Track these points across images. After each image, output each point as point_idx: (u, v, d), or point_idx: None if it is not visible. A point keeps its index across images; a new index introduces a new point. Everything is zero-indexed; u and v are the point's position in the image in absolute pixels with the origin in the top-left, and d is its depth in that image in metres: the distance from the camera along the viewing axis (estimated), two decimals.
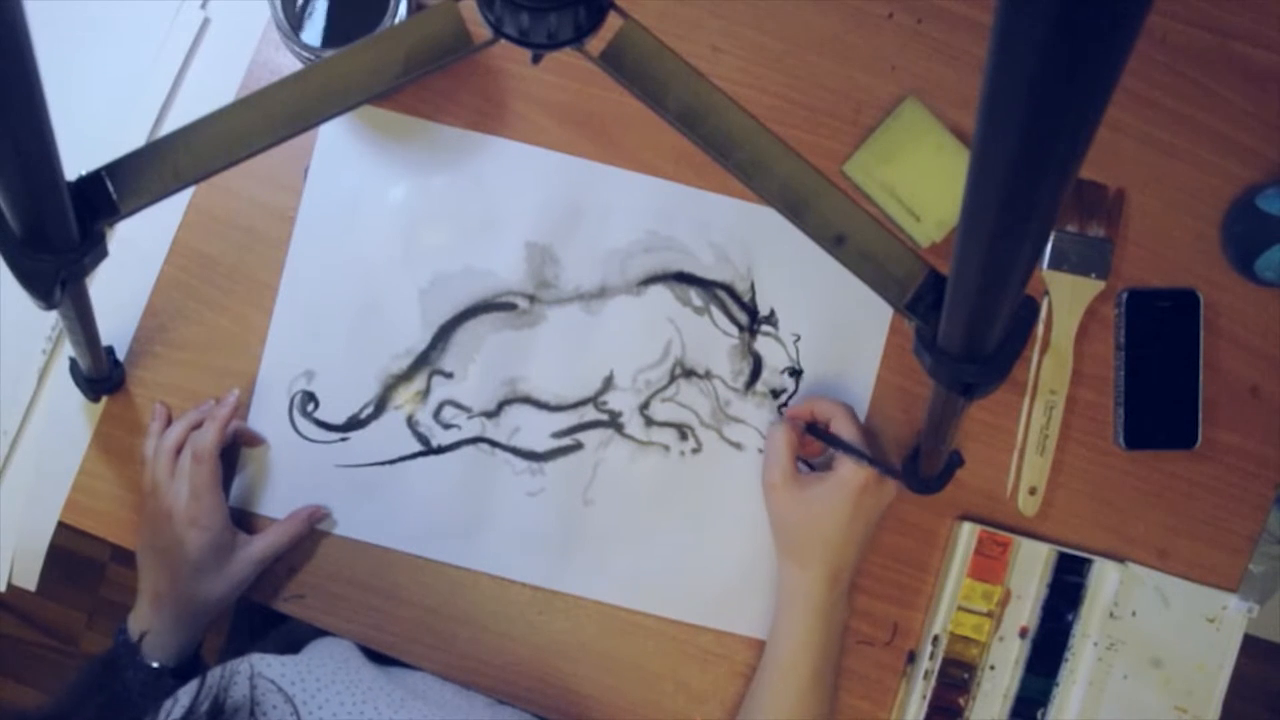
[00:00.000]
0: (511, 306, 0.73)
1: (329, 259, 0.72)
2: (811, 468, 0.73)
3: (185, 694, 0.49)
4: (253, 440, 0.71)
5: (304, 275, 0.72)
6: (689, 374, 0.73)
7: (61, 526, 0.71)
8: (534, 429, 0.72)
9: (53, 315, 0.70)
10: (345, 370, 0.72)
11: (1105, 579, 0.72)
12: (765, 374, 0.73)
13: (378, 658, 0.69)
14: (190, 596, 0.66)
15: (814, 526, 0.67)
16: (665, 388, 0.73)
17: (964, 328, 0.44)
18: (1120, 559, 0.73)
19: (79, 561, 1.49)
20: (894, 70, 0.75)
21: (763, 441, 0.73)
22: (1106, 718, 0.71)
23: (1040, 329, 0.74)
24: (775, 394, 0.73)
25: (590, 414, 0.72)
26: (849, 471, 0.66)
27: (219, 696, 0.47)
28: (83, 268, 0.49)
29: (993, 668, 0.71)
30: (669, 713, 0.72)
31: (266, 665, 0.55)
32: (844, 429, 0.68)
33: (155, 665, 0.64)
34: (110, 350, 0.70)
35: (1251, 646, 0.74)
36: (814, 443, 0.71)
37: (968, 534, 0.71)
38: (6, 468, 0.72)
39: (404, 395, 0.72)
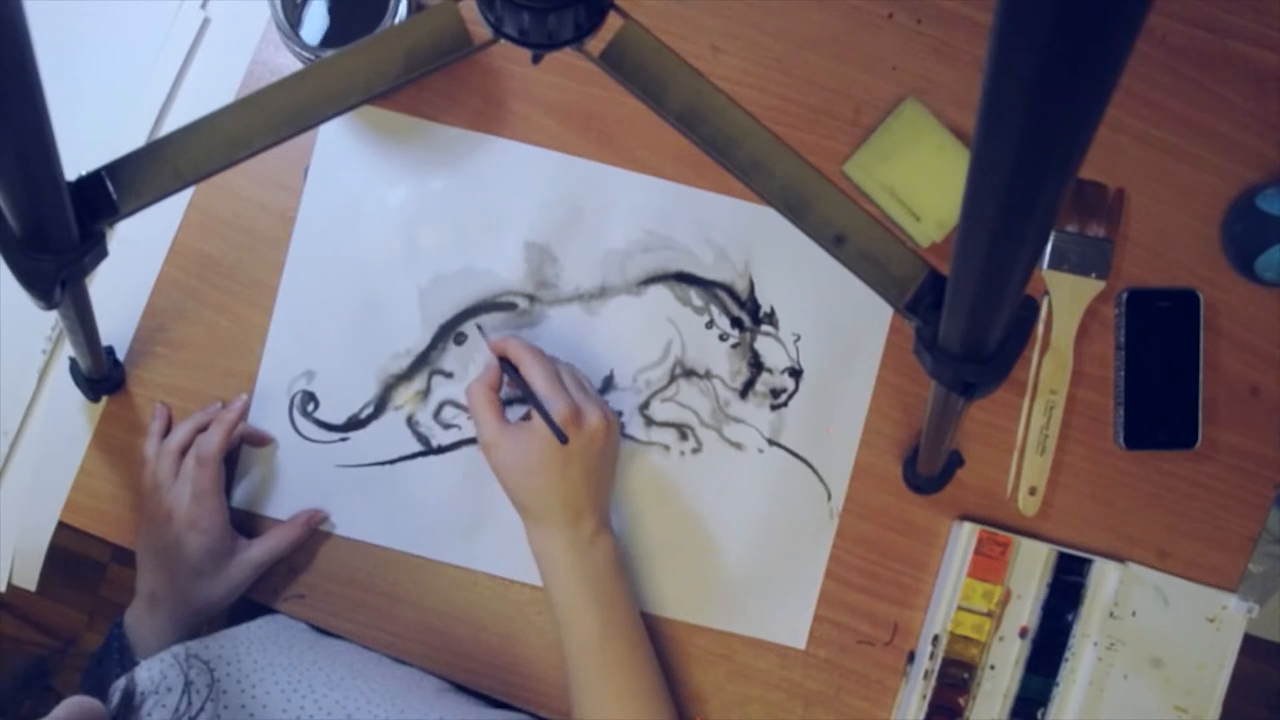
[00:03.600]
0: (512, 306, 0.73)
1: (329, 259, 0.72)
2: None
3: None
4: (261, 440, 0.71)
5: (304, 275, 0.72)
6: (689, 374, 0.73)
7: (61, 526, 0.71)
8: None
9: (53, 315, 0.70)
10: (345, 370, 0.72)
11: (1105, 579, 0.72)
12: (765, 374, 0.73)
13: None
14: (187, 598, 0.66)
15: (532, 479, 0.64)
16: (665, 388, 0.73)
17: (964, 328, 0.44)
18: (1120, 559, 0.73)
19: (79, 561, 1.49)
20: (894, 70, 0.75)
21: (764, 442, 0.73)
22: (1106, 718, 0.71)
23: (1040, 329, 0.74)
24: (775, 394, 0.73)
25: None
26: (540, 419, 0.64)
27: (129, 684, 0.48)
28: (83, 268, 0.49)
29: (993, 668, 0.71)
30: None
31: (203, 647, 0.56)
32: (531, 375, 0.65)
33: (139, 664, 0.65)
34: (110, 350, 0.70)
35: (1251, 646, 0.74)
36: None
37: (968, 534, 0.71)
38: (6, 468, 0.72)
39: (404, 395, 0.72)
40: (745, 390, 0.73)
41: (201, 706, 0.50)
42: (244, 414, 0.70)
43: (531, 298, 0.73)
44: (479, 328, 0.72)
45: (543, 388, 0.64)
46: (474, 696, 0.70)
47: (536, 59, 0.46)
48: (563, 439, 0.63)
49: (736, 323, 0.73)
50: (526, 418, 0.67)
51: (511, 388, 0.69)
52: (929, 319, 0.48)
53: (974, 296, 0.41)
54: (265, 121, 0.48)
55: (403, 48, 0.48)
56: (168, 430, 0.70)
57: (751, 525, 0.72)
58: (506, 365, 0.67)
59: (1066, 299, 0.73)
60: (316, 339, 0.72)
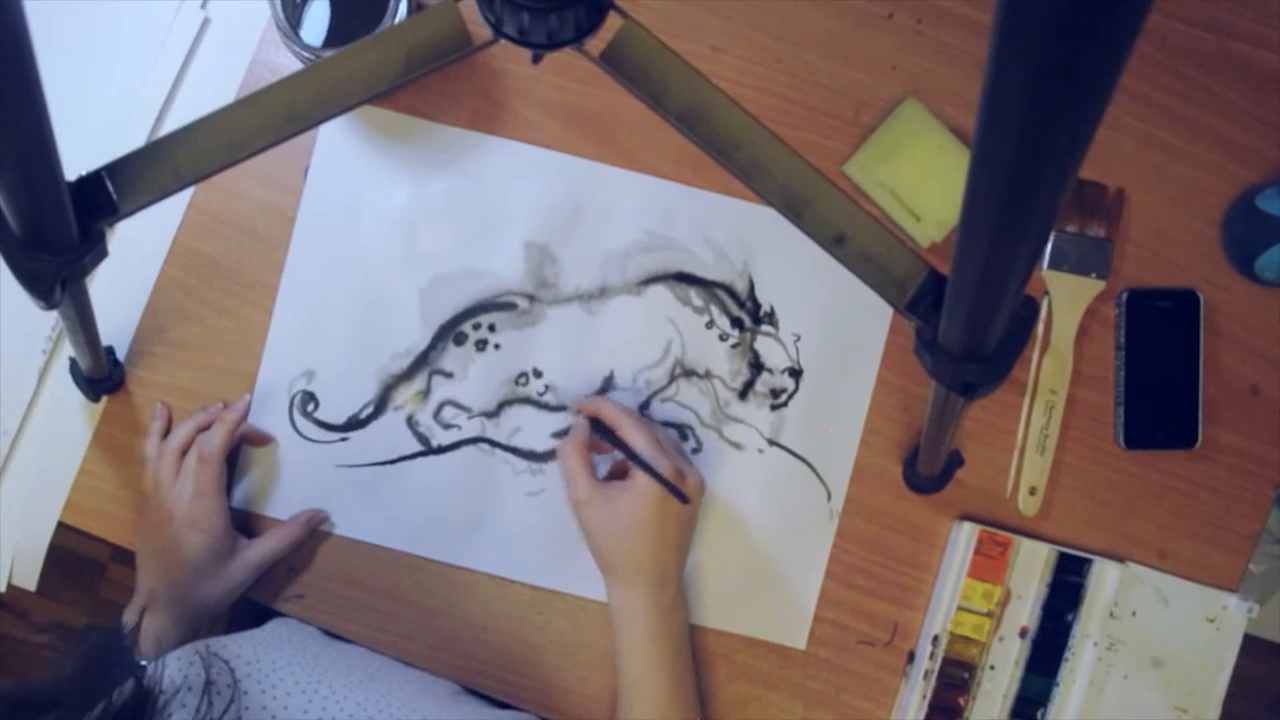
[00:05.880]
0: (512, 306, 0.73)
1: (329, 259, 0.72)
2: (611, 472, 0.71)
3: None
4: (261, 440, 0.71)
5: (304, 275, 0.72)
6: (689, 374, 0.73)
7: (61, 526, 0.71)
8: (534, 429, 0.72)
9: (53, 315, 0.70)
10: (345, 370, 0.72)
11: (1105, 579, 0.72)
12: (765, 374, 0.73)
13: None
14: (187, 598, 0.66)
15: (626, 540, 0.65)
16: (665, 388, 0.73)
17: (964, 328, 0.44)
18: (1120, 559, 0.73)
19: (79, 561, 1.49)
20: (894, 70, 0.75)
21: (764, 442, 0.73)
22: (1106, 718, 0.71)
23: (1040, 329, 0.74)
24: (775, 394, 0.73)
25: None
26: (645, 480, 0.64)
27: (151, 682, 0.48)
28: (83, 268, 0.49)
29: (993, 668, 0.71)
30: None
31: (222, 646, 0.56)
32: (632, 437, 0.65)
33: (146, 663, 0.64)
34: (110, 350, 0.70)
35: (1251, 646, 0.74)
36: (604, 443, 0.68)
37: (968, 534, 0.71)
38: (6, 468, 0.71)
39: (404, 395, 0.72)
40: (745, 390, 0.73)
41: (225, 709, 0.50)
42: (246, 414, 0.70)
43: (531, 298, 0.73)
44: (554, 395, 0.71)
45: (646, 449, 0.65)
46: (483, 699, 0.70)
47: (536, 59, 0.46)
48: (683, 499, 0.65)
49: (736, 323, 0.73)
50: (611, 477, 0.68)
51: (602, 449, 0.69)
52: (929, 319, 0.48)
53: (974, 296, 0.41)
54: (265, 121, 0.48)
55: (403, 48, 0.48)
56: (168, 430, 0.70)
57: (751, 525, 0.72)
58: (598, 426, 0.67)
59: (1066, 299, 0.73)
60: (316, 339, 0.72)
